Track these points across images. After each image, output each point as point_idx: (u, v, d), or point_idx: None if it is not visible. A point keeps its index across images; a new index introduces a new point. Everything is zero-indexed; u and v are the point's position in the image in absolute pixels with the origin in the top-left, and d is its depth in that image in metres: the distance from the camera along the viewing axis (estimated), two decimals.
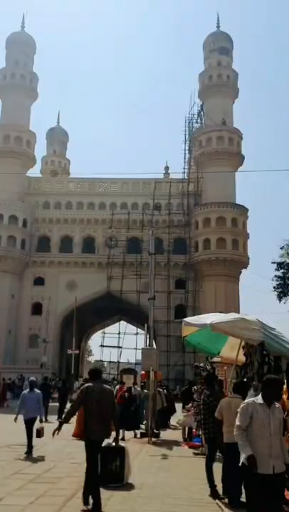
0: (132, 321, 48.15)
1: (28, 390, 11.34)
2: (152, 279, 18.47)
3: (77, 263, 46.42)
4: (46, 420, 13.96)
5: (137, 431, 15.19)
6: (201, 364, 12.62)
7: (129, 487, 8.20)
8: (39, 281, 46.92)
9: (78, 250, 46.99)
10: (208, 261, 44.01)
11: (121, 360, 43.74)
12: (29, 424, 11.01)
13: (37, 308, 46.20)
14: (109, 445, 8.78)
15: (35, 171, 52.87)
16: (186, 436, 14.19)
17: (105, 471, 8.59)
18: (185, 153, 49.51)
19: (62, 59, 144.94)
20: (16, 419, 10.95)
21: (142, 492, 7.91)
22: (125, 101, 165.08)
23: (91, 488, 6.66)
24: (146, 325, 17.56)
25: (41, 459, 10.74)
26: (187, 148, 49.39)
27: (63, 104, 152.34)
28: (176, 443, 13.96)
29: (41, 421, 11.10)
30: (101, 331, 48.84)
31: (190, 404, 13.71)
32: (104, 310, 45.64)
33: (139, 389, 15.61)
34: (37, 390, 11.36)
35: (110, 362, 49.05)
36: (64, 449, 12.19)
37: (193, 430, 13.26)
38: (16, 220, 45.62)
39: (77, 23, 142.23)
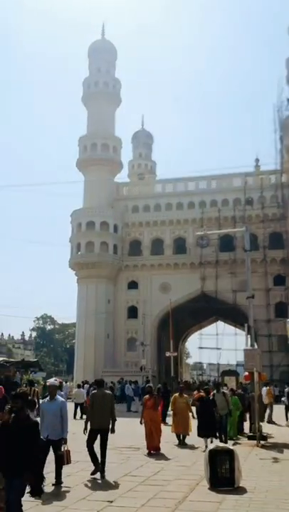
0: (229, 321, 47.28)
1: (47, 398, 8.41)
2: (249, 276, 17.83)
3: (169, 265, 46.42)
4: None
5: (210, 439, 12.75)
6: None
7: (241, 491, 7.90)
8: (133, 285, 47.52)
9: (170, 252, 46.99)
10: None
11: (221, 362, 43.04)
12: (52, 447, 8.00)
13: (132, 312, 46.80)
14: (217, 447, 8.51)
15: (122, 176, 53.85)
16: None
17: (215, 474, 8.30)
18: (276, 143, 47.50)
19: (142, 61, 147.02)
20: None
21: (254, 496, 7.59)
22: (208, 96, 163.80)
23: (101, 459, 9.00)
24: (246, 325, 16.93)
25: (149, 461, 10.63)
26: (278, 137, 47.34)
27: (147, 106, 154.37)
28: (287, 446, 13.25)
29: (63, 441, 8.03)
30: (198, 332, 48.49)
31: None
32: (200, 311, 45.17)
33: (227, 392, 14.80)
34: (60, 398, 8.35)
35: (209, 364, 48.56)
36: (170, 451, 12.04)
37: None
38: (107, 226, 46.62)
39: (156, 25, 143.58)
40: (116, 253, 46.79)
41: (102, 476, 8.86)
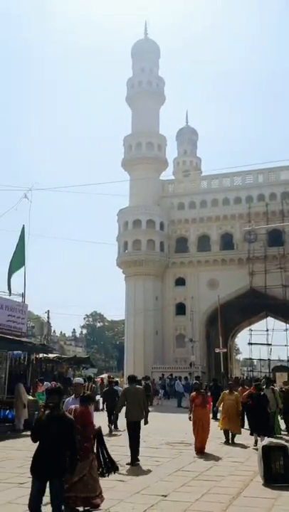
0: (280, 317, 46.51)
1: (72, 396, 8.15)
2: None
3: (216, 261, 46.08)
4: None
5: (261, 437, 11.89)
6: None
7: None
8: (180, 282, 47.47)
9: (217, 248, 46.62)
10: None
11: (271, 358, 42.32)
12: None
13: (180, 309, 46.78)
14: (271, 443, 8.47)
15: (167, 173, 53.75)
16: None
17: (269, 470, 8.27)
18: None
19: (185, 56, 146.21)
20: None
21: None
22: (253, 89, 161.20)
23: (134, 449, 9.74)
24: None
25: (201, 457, 10.66)
26: None
27: (191, 102, 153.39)
28: None
29: None
30: (248, 328, 47.87)
31: None
32: (249, 307, 44.59)
33: (276, 388, 14.45)
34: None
35: (260, 360, 47.88)
36: (221, 448, 12.03)
37: None
38: (153, 223, 46.76)
39: (199, 21, 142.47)
40: (163, 250, 46.89)
41: (136, 464, 9.43)
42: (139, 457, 9.86)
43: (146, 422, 9.99)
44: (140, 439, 9.95)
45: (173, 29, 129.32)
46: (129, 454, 9.80)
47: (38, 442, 5.09)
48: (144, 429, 10.28)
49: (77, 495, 6.23)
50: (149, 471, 9.07)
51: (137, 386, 10.29)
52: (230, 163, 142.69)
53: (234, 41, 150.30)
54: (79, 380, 8.54)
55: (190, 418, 11.43)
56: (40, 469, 4.95)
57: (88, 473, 6.34)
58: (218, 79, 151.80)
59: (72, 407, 6.83)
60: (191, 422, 11.37)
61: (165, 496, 7.15)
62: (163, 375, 38.25)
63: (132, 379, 10.44)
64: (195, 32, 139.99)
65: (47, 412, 5.13)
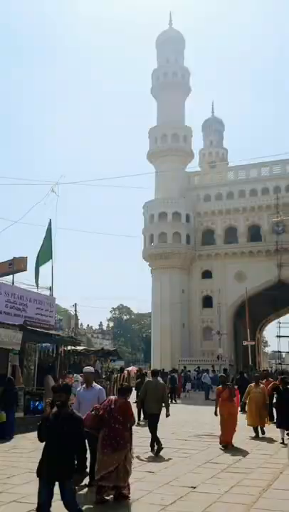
0: None
1: (83, 386, 7.81)
2: None
3: (244, 253, 45.64)
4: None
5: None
6: None
7: None
8: (207, 275, 47.21)
9: (244, 240, 46.16)
10: None
11: None
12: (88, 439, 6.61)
13: (207, 301, 46.56)
14: None
15: (193, 165, 53.40)
16: None
17: None
18: None
19: (210, 46, 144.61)
20: None
21: None
22: (280, 79, 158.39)
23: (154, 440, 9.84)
24: None
25: (229, 450, 10.59)
26: None
27: (217, 92, 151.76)
28: None
29: None
30: (276, 320, 47.40)
31: None
32: (277, 299, 44.08)
33: None
34: (98, 386, 7.76)
35: None
36: (250, 441, 11.93)
37: None
38: (179, 216, 46.56)
39: (224, 10, 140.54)
40: (189, 243, 46.67)
41: (156, 454, 9.56)
42: (167, 448, 9.96)
43: (167, 415, 9.97)
44: (157, 430, 10.00)
45: (198, 18, 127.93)
46: (156, 446, 9.88)
47: (44, 442, 4.85)
48: (171, 422, 10.30)
49: (109, 484, 6.32)
50: (177, 463, 9.06)
51: (159, 380, 10.45)
52: (257, 153, 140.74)
53: (265, 30, 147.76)
54: (89, 368, 8.07)
55: (216, 413, 11.16)
56: (50, 471, 4.68)
57: (122, 464, 6.40)
58: (245, 68, 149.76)
59: (112, 397, 6.90)
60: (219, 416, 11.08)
61: (194, 488, 7.12)
62: (185, 367, 38.17)
63: (154, 373, 10.83)
64: (219, 19, 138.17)
65: (54, 410, 4.85)
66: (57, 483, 4.74)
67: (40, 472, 4.75)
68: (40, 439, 4.88)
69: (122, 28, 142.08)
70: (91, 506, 6.15)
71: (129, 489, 6.51)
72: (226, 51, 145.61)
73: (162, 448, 9.74)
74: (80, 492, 6.55)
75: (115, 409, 6.54)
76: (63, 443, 4.66)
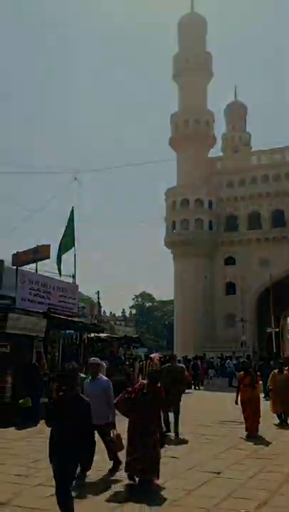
0: None
1: (90, 378, 7.42)
2: None
3: (267, 239, 45.19)
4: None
5: None
6: None
7: None
8: (230, 261, 46.94)
9: (268, 226, 45.65)
10: None
11: None
12: (98, 433, 6.86)
13: (231, 288, 46.35)
14: None
15: (216, 150, 52.83)
16: None
17: None
18: None
19: (233, 30, 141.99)
20: None
21: None
22: None
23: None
24: None
25: (253, 437, 10.53)
26: None
27: (240, 76, 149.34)
28: None
29: (111, 425, 7.06)
30: None
31: None
32: None
33: None
34: (104, 378, 7.45)
35: None
36: (274, 428, 11.83)
37: None
38: (201, 202, 46.27)
39: None
40: (211, 229, 46.40)
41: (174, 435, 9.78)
42: (190, 434, 10.12)
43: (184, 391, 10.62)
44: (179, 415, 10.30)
45: (220, 3, 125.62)
46: (180, 431, 10.02)
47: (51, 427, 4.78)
48: (194, 408, 10.30)
49: (136, 466, 6.37)
50: (201, 449, 9.08)
51: (178, 365, 11.09)
52: (281, 137, 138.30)
53: (285, 12, 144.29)
54: (95, 359, 7.67)
55: (236, 402, 10.95)
56: (58, 455, 4.64)
57: (152, 448, 6.42)
58: (268, 51, 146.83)
59: (144, 381, 7.01)
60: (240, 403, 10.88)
61: (218, 473, 7.11)
62: (204, 354, 37.97)
63: (172, 358, 11.68)
64: (242, 4, 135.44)
65: (61, 394, 4.83)
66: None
67: (51, 457, 4.72)
68: (48, 424, 4.84)
69: (142, 15, 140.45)
70: (101, 496, 6.07)
71: (158, 474, 6.47)
72: (249, 34, 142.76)
73: (166, 435, 9.65)
74: (88, 480, 6.60)
75: (148, 393, 6.60)
76: (71, 426, 4.60)
